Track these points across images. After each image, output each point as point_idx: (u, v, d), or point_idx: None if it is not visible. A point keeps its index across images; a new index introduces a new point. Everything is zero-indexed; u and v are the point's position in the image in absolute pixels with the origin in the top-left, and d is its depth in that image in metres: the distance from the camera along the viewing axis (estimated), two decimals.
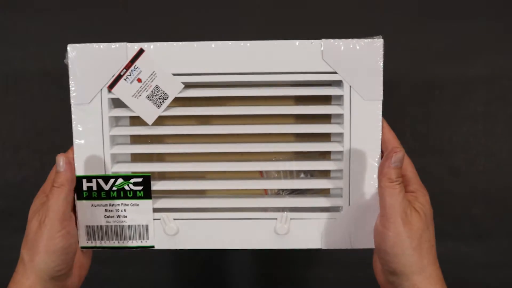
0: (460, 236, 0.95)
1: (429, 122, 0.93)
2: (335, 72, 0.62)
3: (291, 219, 0.65)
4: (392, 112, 0.89)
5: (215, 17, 0.91)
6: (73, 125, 0.64)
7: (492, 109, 0.93)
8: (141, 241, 0.66)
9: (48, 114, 0.92)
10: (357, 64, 0.62)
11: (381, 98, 0.63)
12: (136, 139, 0.70)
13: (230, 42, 0.63)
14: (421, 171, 0.91)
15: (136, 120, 0.68)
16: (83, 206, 0.64)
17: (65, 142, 0.90)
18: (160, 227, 0.65)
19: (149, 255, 0.96)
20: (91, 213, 0.64)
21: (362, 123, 0.63)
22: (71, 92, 0.63)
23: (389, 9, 0.92)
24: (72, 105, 0.64)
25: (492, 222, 0.95)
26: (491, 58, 0.92)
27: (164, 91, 0.63)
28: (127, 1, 0.91)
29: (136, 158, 0.70)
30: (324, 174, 0.70)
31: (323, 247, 0.66)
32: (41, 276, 0.58)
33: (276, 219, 0.65)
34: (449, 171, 0.94)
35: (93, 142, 0.64)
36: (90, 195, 0.64)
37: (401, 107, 0.93)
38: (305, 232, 0.66)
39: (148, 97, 0.63)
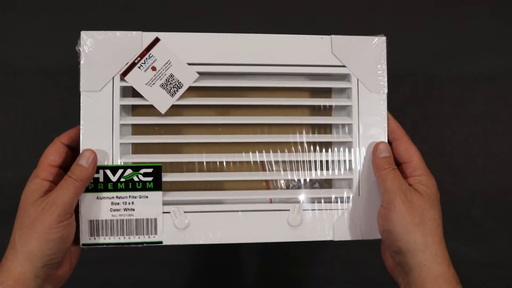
0: (460, 236, 0.95)
1: (429, 122, 0.94)
2: (343, 66, 0.66)
3: (303, 210, 0.66)
4: (392, 112, 0.90)
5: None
6: (81, 113, 0.63)
7: (492, 109, 0.94)
8: (149, 237, 0.64)
9: (48, 114, 0.91)
10: (363, 59, 0.67)
11: (386, 90, 0.67)
12: (137, 131, 0.68)
13: (244, 34, 0.65)
14: None
15: (139, 112, 0.68)
16: (87, 199, 0.63)
17: None
18: (169, 221, 0.64)
19: (149, 255, 0.95)
20: (96, 206, 0.63)
21: (369, 114, 0.67)
22: (80, 79, 0.63)
23: (389, 9, 0.93)
24: (81, 92, 0.63)
25: (492, 222, 0.95)
26: (491, 58, 0.94)
27: (178, 80, 0.63)
28: (128, 2, 0.92)
29: (137, 150, 0.68)
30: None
31: (335, 239, 0.66)
32: (33, 263, 0.56)
33: (288, 210, 0.66)
34: (449, 171, 0.95)
35: (101, 131, 0.63)
36: (96, 187, 0.63)
37: (401, 107, 0.94)
38: (317, 224, 0.66)
39: (162, 85, 0.63)
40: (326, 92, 0.70)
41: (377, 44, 0.67)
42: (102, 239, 0.63)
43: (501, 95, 0.94)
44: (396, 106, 0.91)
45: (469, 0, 0.93)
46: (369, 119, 0.67)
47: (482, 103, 0.94)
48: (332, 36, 0.66)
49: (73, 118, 0.87)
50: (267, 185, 0.69)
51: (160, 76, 0.63)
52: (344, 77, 0.68)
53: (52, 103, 0.90)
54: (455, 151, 0.94)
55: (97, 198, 0.63)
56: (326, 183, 0.71)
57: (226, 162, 0.68)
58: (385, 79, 0.67)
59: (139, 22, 0.91)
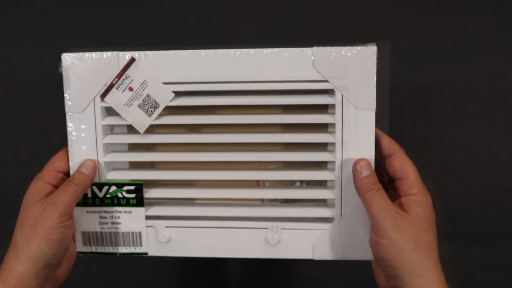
0: (460, 236, 0.95)
1: (429, 122, 0.93)
2: (326, 81, 0.61)
3: (282, 229, 0.65)
4: (392, 112, 0.89)
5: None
6: (68, 133, 0.65)
7: (492, 109, 0.92)
8: (135, 248, 0.67)
9: (48, 114, 0.92)
10: (349, 72, 0.61)
11: (374, 107, 0.61)
12: (133, 147, 0.70)
13: (219, 51, 0.62)
14: (421, 171, 0.89)
15: (133, 127, 0.68)
16: (78, 212, 0.65)
17: (65, 142, 0.90)
18: (153, 234, 0.66)
19: (147, 256, 0.95)
20: (86, 219, 0.66)
21: (355, 133, 0.62)
22: (65, 101, 0.64)
23: (389, 9, 0.92)
24: (67, 113, 0.64)
25: (492, 222, 0.94)
26: (491, 58, 0.91)
27: (155, 100, 0.63)
28: (127, 2, 0.92)
29: (133, 165, 0.71)
30: (320, 183, 0.69)
31: (315, 258, 0.65)
32: (35, 263, 0.58)
33: (267, 228, 0.65)
34: (449, 171, 0.94)
35: (87, 150, 0.65)
36: (85, 201, 0.65)
37: (401, 107, 0.92)
38: (297, 242, 0.65)
39: (140, 105, 0.64)
40: (314, 108, 0.66)
41: (365, 55, 0.61)
42: (94, 249, 0.67)
43: (501, 95, 0.92)
44: (396, 106, 0.91)
45: (469, 0, 0.91)
46: (354, 138, 0.62)
47: (482, 103, 0.92)
48: (314, 48, 0.61)
49: None
50: (262, 200, 0.70)
51: (137, 97, 0.63)
52: (328, 92, 0.64)
53: (52, 103, 0.89)
54: (455, 151, 0.93)
55: (87, 212, 0.65)
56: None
57: (206, 179, 0.68)
58: (374, 94, 0.61)
59: (138, 23, 0.91)
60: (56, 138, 0.89)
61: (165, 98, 0.63)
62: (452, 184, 0.94)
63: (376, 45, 0.61)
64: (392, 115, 0.89)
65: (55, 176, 0.63)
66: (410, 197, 0.59)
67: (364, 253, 0.64)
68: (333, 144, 0.64)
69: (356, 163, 0.61)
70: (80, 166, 0.64)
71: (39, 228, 0.58)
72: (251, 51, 0.62)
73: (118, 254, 0.67)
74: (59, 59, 0.89)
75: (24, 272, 0.58)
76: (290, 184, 0.70)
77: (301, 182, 0.70)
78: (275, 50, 0.62)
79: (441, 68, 0.92)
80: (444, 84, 0.92)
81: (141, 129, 0.64)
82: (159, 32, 0.91)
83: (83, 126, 0.64)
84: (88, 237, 0.66)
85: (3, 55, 0.92)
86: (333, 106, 0.64)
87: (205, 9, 0.91)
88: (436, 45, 0.91)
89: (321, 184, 0.69)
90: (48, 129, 0.92)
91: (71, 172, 0.65)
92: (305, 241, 0.65)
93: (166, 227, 0.66)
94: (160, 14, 0.91)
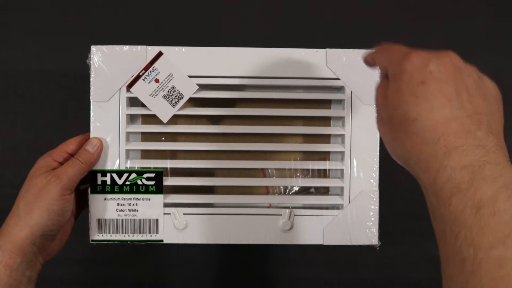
0: None
1: None
2: (338, 78, 0.76)
3: (294, 215, 0.77)
4: None
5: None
6: (91, 121, 0.75)
7: None
8: (151, 235, 0.76)
9: (48, 114, 1.00)
10: (357, 72, 0.76)
11: None
12: (147, 138, 0.80)
13: (242, 48, 0.76)
14: None
15: (148, 120, 0.79)
16: (96, 199, 0.75)
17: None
18: (169, 222, 0.76)
19: (149, 255, 1.04)
20: (104, 206, 0.75)
21: (362, 126, 0.77)
22: (91, 90, 0.74)
23: (389, 9, 1.02)
24: (92, 102, 0.74)
25: None
26: (491, 58, 1.01)
27: (179, 91, 0.75)
28: (127, 3, 1.01)
29: (146, 155, 0.81)
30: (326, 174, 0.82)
31: (325, 243, 0.77)
32: (33, 231, 0.66)
33: (280, 215, 0.77)
34: None
35: (109, 138, 0.75)
36: (104, 189, 0.75)
37: None
38: (308, 228, 0.77)
39: (164, 96, 0.75)
40: (325, 103, 0.80)
41: None
42: (109, 236, 0.76)
43: (501, 95, 0.97)
44: None
45: (469, 0, 1.01)
46: (361, 131, 0.76)
47: None
48: (327, 49, 0.75)
49: (72, 118, 0.99)
50: (267, 190, 0.81)
51: (162, 88, 0.74)
52: (339, 89, 0.77)
53: (52, 103, 0.99)
54: None
55: (105, 199, 0.75)
56: (323, 189, 0.81)
57: (225, 167, 0.80)
58: None
59: (138, 23, 1.00)
60: (56, 138, 0.92)
61: (189, 90, 0.75)
62: None
63: None
64: None
65: (64, 156, 0.72)
66: None
67: (369, 239, 0.76)
68: (340, 136, 0.78)
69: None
70: (86, 144, 0.73)
71: (42, 198, 0.67)
72: (271, 49, 0.76)
73: (133, 242, 0.76)
74: (59, 60, 0.99)
75: (22, 238, 0.65)
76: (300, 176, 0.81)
77: (307, 175, 0.81)
78: (293, 49, 0.76)
79: None
80: None
81: (165, 118, 0.75)
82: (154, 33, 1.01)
83: (107, 115, 0.75)
84: (104, 225, 0.75)
85: (3, 55, 0.99)
86: (337, 101, 0.79)
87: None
88: (436, 45, 0.94)
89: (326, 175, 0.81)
90: (48, 129, 1.00)
91: None
92: (315, 227, 0.77)
93: (183, 214, 0.76)
94: (156, 14, 1.00)
